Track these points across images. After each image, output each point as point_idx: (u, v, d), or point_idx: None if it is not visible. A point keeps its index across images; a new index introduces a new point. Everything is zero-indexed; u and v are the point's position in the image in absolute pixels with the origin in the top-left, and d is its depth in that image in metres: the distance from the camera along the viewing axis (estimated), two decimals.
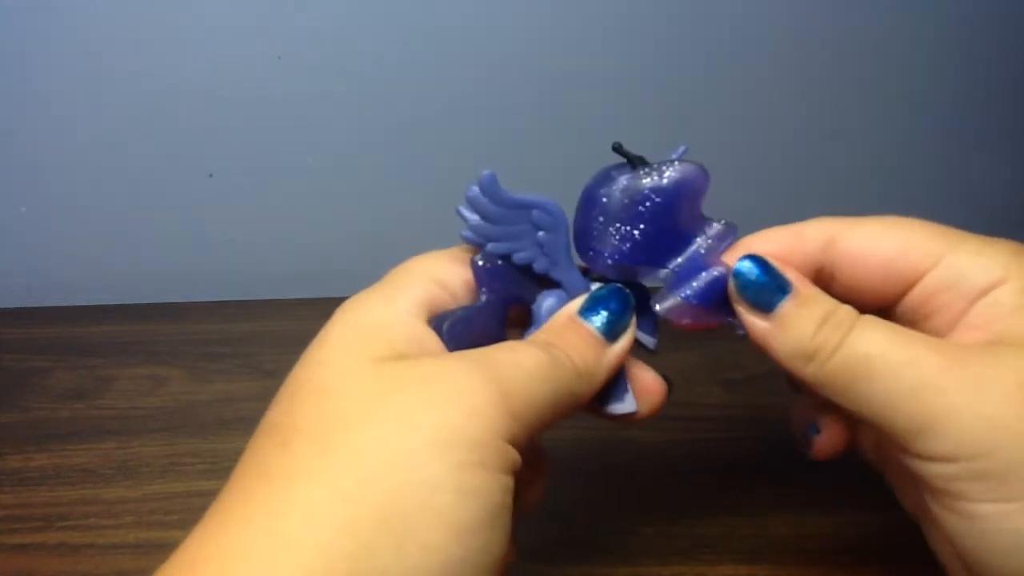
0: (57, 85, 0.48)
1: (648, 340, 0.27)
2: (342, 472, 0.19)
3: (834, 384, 0.23)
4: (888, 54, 0.53)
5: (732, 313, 0.25)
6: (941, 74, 0.54)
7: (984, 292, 0.23)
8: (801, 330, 0.23)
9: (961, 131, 0.55)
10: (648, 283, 0.27)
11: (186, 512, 0.34)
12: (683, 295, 0.25)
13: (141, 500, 0.34)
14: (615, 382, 0.25)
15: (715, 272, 0.25)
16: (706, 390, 0.42)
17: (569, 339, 0.24)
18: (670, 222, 0.26)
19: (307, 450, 0.20)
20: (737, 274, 0.24)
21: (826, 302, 0.24)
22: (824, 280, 0.26)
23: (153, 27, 0.47)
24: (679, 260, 0.26)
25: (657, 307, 0.25)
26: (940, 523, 0.23)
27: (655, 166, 0.25)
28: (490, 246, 0.25)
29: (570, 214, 0.26)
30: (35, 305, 0.52)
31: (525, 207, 0.25)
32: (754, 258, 0.24)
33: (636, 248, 0.25)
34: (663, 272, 0.26)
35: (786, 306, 0.24)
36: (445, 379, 0.21)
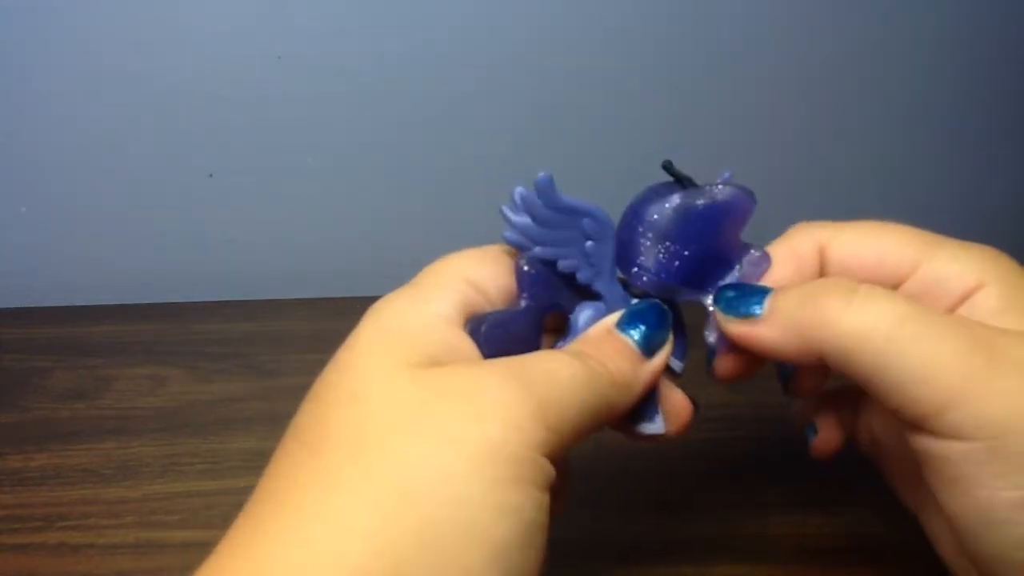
0: (57, 85, 0.48)
1: (676, 364, 0.26)
2: (380, 486, 0.19)
3: (850, 351, 0.22)
4: (888, 54, 0.53)
5: None
6: (941, 74, 0.54)
7: (963, 297, 0.24)
8: (797, 305, 0.23)
9: (961, 131, 0.55)
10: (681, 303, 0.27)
11: (186, 512, 0.34)
12: None
13: (141, 500, 0.34)
14: (646, 401, 0.25)
15: None
16: (706, 390, 0.42)
17: (606, 350, 0.24)
18: (716, 244, 0.26)
19: (342, 459, 0.19)
20: (719, 300, 0.25)
21: (810, 282, 0.24)
22: None
23: (153, 27, 0.47)
24: (721, 285, 0.26)
25: (706, 335, 0.26)
26: (950, 515, 0.22)
27: (706, 187, 0.25)
28: (537, 250, 0.24)
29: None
30: (35, 305, 0.52)
31: (577, 213, 0.24)
32: (724, 287, 0.25)
33: (684, 268, 0.25)
34: (707, 298, 0.26)
35: (773, 299, 0.24)
36: (484, 390, 0.20)
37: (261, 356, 0.45)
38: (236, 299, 0.53)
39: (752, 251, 0.26)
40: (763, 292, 0.24)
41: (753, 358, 0.26)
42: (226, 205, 0.52)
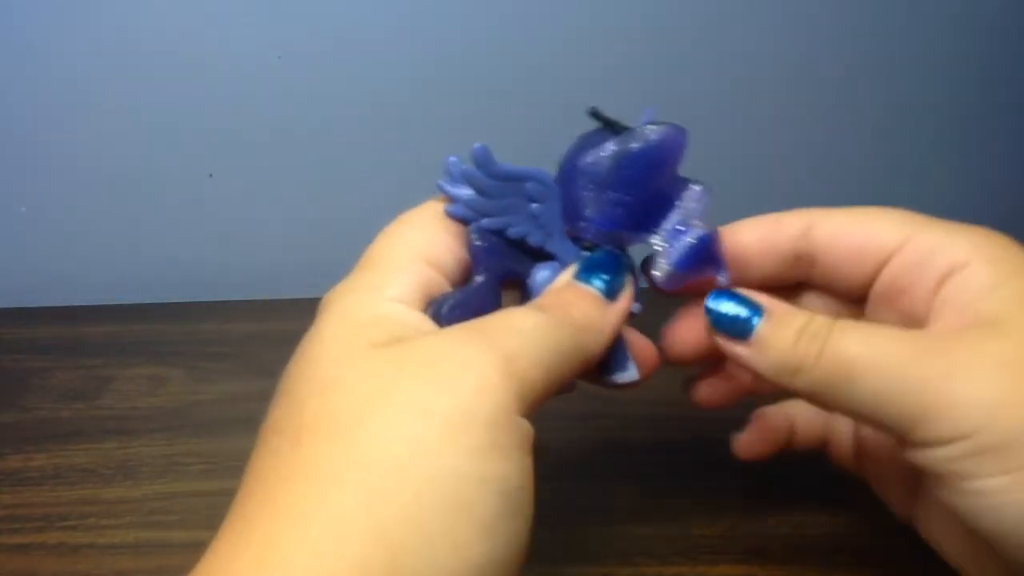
0: (57, 85, 0.48)
1: (635, 306, 0.26)
2: (364, 470, 0.18)
3: (824, 392, 0.23)
4: (890, 54, 0.53)
5: (717, 267, 0.26)
6: (942, 75, 0.54)
7: (950, 272, 0.24)
8: (781, 347, 0.23)
9: (961, 131, 0.55)
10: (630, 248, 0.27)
11: (186, 512, 0.34)
12: (672, 264, 0.26)
13: (141, 500, 0.34)
14: (616, 351, 0.25)
15: (697, 236, 0.26)
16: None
17: (568, 298, 0.24)
18: (656, 185, 0.26)
19: (323, 448, 0.19)
20: (708, 311, 0.25)
21: (800, 315, 0.24)
22: (804, 266, 0.27)
23: (153, 27, 0.47)
24: (664, 224, 0.26)
25: (654, 274, 0.26)
26: (953, 508, 0.22)
27: (637, 130, 0.25)
28: (485, 222, 0.24)
29: None
30: (35, 305, 0.52)
31: (519, 179, 0.25)
32: (721, 293, 0.25)
33: (628, 213, 0.25)
34: (653, 238, 0.26)
35: (762, 328, 0.24)
36: (448, 354, 0.20)
37: (261, 356, 0.45)
38: (236, 299, 0.53)
39: (692, 186, 0.26)
40: (757, 314, 0.24)
41: (735, 386, 0.28)
42: (226, 205, 0.52)
